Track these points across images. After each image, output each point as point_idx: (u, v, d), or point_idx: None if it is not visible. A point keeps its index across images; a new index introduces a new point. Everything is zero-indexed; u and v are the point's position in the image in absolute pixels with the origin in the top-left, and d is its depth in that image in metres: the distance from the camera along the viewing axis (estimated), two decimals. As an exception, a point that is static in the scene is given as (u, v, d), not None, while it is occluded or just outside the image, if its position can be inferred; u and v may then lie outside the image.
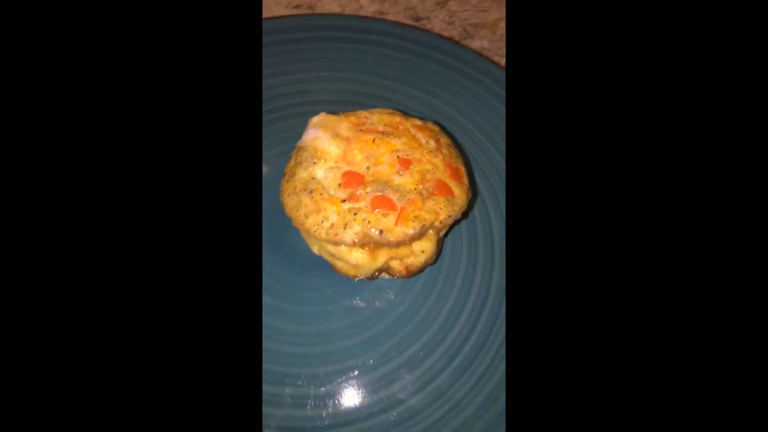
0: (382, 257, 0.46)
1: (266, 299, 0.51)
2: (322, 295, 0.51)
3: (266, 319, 0.49)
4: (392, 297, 0.51)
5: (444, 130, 0.53)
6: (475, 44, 0.78)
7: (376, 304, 0.50)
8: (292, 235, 0.53)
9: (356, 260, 0.46)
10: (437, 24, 0.80)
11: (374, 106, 0.54)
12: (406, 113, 0.53)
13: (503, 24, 0.81)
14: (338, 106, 0.58)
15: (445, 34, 0.79)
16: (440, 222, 0.45)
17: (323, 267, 0.51)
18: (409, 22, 0.80)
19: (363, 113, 0.51)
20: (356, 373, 0.47)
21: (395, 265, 0.48)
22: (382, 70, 0.67)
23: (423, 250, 0.47)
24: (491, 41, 0.78)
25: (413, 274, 0.49)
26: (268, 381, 0.46)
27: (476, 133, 0.62)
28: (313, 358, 0.48)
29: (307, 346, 0.48)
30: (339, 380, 0.47)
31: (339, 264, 0.48)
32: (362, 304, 0.50)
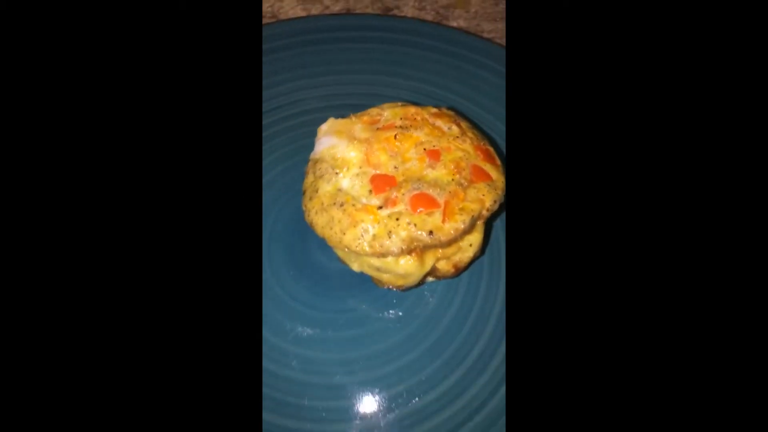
0: (430, 260, 0.43)
1: (308, 331, 0.46)
2: (361, 313, 0.47)
3: (312, 353, 0.45)
4: (432, 300, 0.47)
5: (459, 113, 0.49)
6: (453, 24, 0.75)
7: (416, 311, 0.46)
8: (315, 255, 0.49)
9: (405, 269, 0.42)
10: (409, 12, 0.77)
11: (371, 105, 0.50)
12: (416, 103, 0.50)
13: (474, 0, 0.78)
14: (332, 112, 0.54)
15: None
16: (487, 210, 0.42)
17: (355, 284, 0.47)
18: (380, 13, 0.76)
19: (374, 110, 0.47)
20: (425, 386, 0.43)
21: (442, 265, 0.44)
22: (368, 66, 0.63)
23: (471, 243, 0.44)
24: (467, 19, 0.76)
25: (461, 271, 0.46)
26: (330, 419, 0.42)
27: (486, 115, 0.59)
28: (375, 382, 0.44)
29: (366, 371, 0.44)
30: (413, 401, 0.43)
31: (385, 277, 0.44)
32: (401, 313, 0.46)
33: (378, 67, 0.64)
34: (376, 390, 0.43)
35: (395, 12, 0.77)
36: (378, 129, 0.45)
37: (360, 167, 0.43)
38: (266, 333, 0.46)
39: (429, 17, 0.76)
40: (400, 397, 0.43)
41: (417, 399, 0.43)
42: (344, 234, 0.41)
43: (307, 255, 0.49)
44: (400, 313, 0.46)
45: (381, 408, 0.42)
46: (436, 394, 0.43)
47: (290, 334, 0.46)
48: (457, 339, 0.45)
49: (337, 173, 0.43)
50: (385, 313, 0.47)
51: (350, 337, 0.46)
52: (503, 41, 0.69)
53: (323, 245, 0.44)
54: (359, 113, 0.47)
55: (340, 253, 0.45)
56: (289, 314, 0.46)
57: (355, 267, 0.44)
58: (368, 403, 0.43)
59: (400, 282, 0.44)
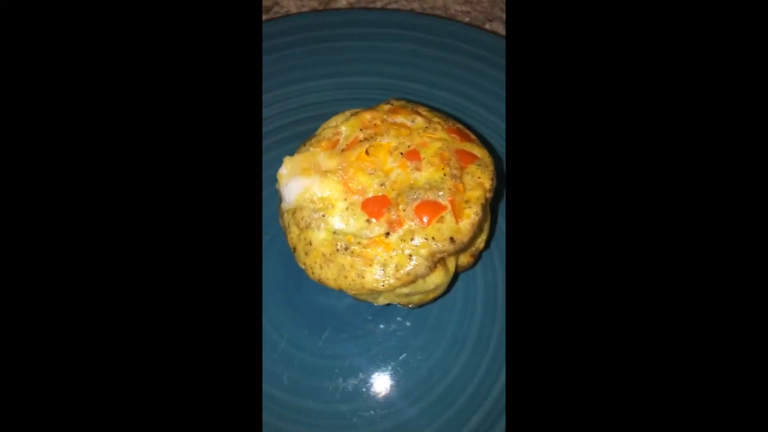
0: (452, 262, 0.40)
1: (345, 384, 0.42)
2: (392, 341, 0.44)
3: (352, 405, 0.42)
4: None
5: (408, 100, 0.46)
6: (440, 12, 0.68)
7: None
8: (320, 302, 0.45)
9: (435, 282, 0.39)
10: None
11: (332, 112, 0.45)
12: (367, 105, 0.45)
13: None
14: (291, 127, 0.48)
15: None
16: (489, 190, 0.40)
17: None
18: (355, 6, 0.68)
19: (328, 131, 0.42)
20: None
21: (463, 259, 0.42)
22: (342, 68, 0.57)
23: (482, 229, 0.41)
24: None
25: (478, 259, 0.44)
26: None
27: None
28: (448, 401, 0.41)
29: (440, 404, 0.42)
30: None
31: (416, 298, 0.40)
32: (408, 323, 0.44)
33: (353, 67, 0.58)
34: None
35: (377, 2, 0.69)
36: (343, 151, 0.40)
37: (345, 199, 0.38)
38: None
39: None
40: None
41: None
42: (363, 278, 0.37)
43: (310, 303, 0.45)
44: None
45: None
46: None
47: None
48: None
49: (323, 216, 0.38)
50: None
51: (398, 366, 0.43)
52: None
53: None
54: (312, 139, 0.42)
55: (363, 298, 0.41)
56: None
57: (381, 301, 0.40)
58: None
59: (431, 296, 0.41)
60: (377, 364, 0.43)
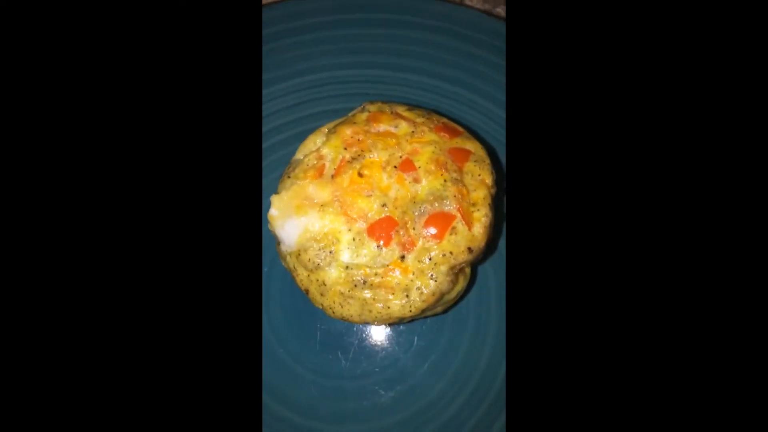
0: (469, 266, 0.39)
1: (383, 398, 0.42)
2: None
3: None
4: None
5: (383, 101, 0.42)
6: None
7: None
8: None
9: (457, 290, 0.38)
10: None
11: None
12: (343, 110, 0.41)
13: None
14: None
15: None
16: (493, 186, 0.38)
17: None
18: None
19: (309, 158, 0.39)
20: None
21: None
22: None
23: (497, 229, 0.40)
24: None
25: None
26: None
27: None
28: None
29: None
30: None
31: (440, 308, 0.40)
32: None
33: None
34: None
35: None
36: (333, 177, 0.37)
37: (349, 229, 0.36)
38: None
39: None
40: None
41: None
42: (389, 308, 0.35)
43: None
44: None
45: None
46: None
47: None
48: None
49: (331, 252, 0.36)
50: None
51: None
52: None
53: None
54: (295, 169, 0.39)
55: (392, 324, 0.39)
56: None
57: (407, 320, 0.40)
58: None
59: (453, 302, 0.40)
60: (409, 371, 0.43)
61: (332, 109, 0.51)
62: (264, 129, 0.50)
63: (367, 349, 0.43)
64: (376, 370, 0.42)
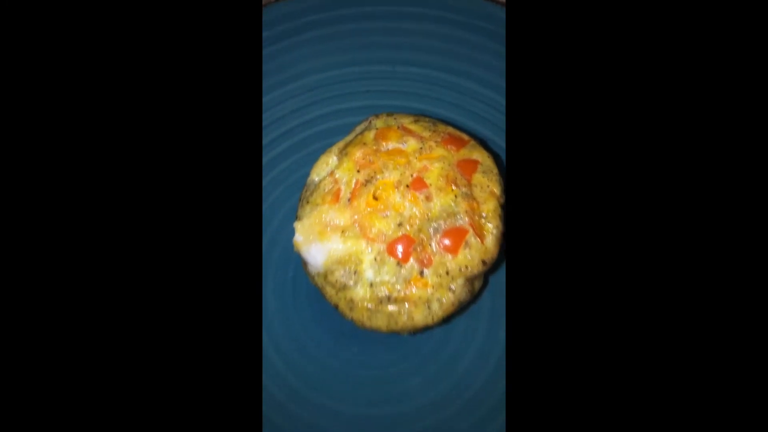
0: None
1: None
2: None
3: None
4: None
5: (388, 113, 0.44)
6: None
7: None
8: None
9: (474, 295, 0.42)
10: None
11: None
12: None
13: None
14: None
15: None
16: (501, 196, 0.41)
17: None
18: None
19: (325, 182, 0.41)
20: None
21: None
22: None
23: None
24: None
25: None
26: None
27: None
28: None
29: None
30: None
31: None
32: None
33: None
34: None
35: None
36: (350, 200, 0.40)
37: (370, 250, 0.39)
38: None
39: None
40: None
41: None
42: (413, 319, 0.39)
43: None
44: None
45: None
46: None
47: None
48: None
49: (355, 272, 0.39)
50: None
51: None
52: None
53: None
54: (313, 195, 0.41)
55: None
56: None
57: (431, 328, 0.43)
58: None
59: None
60: (430, 359, 0.47)
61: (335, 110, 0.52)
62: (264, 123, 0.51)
63: (393, 339, 0.47)
64: (405, 355, 0.46)
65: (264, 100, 0.53)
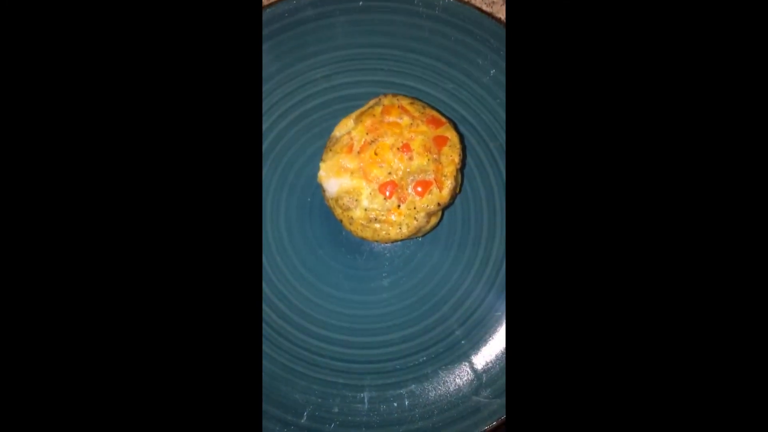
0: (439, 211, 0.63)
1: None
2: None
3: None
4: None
5: (394, 94, 0.62)
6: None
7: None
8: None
9: (432, 225, 0.62)
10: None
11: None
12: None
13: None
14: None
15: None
16: (458, 164, 0.60)
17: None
18: None
19: (344, 138, 0.60)
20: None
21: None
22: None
23: (458, 191, 0.63)
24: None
25: (453, 201, 0.66)
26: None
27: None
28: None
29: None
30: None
31: (421, 234, 0.64)
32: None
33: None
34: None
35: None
36: (358, 153, 0.59)
37: (366, 186, 0.59)
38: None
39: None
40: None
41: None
42: (389, 234, 0.60)
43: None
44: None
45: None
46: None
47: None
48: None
49: (356, 200, 0.59)
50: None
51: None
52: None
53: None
54: (333, 146, 0.60)
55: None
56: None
57: (400, 240, 0.64)
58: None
59: (428, 231, 0.64)
60: (400, 266, 0.68)
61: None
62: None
63: (374, 253, 0.68)
64: (381, 265, 0.68)
65: (302, 65, 0.70)
